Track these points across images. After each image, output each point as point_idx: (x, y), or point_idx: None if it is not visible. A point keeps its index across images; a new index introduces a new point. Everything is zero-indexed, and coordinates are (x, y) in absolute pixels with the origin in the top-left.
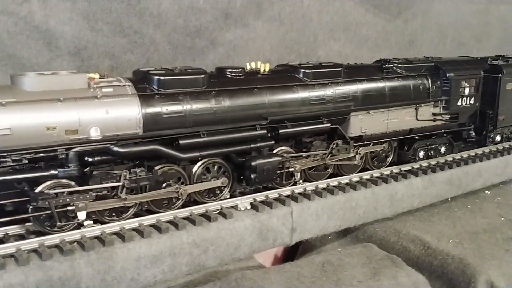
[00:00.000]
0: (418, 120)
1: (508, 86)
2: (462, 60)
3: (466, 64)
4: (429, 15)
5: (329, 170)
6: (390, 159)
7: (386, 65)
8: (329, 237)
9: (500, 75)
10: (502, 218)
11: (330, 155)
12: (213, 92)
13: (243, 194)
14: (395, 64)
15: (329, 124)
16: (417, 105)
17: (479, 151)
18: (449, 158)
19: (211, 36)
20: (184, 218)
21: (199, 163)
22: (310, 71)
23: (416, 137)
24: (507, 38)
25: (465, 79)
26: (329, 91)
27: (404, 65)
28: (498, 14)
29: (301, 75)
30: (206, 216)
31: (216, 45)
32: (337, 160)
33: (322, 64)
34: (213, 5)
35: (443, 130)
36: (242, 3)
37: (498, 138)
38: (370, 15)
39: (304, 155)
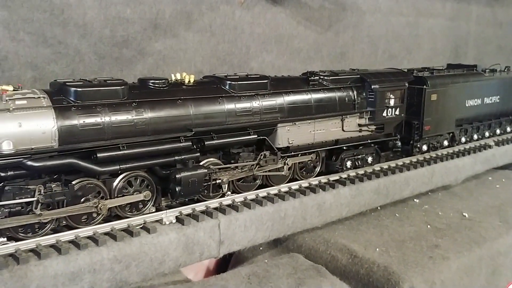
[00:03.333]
0: (344, 131)
1: (432, 97)
2: (388, 72)
3: (391, 76)
4: (360, 28)
5: (257, 181)
6: (318, 169)
7: (312, 78)
8: (260, 248)
9: (424, 87)
10: (428, 226)
11: (258, 166)
12: (134, 104)
13: (170, 207)
14: (321, 77)
15: (256, 136)
16: (343, 116)
17: (406, 160)
18: (377, 167)
19: (139, 47)
20: (105, 234)
21: (120, 177)
22: (236, 83)
23: (344, 148)
24: (436, 49)
25: (390, 91)
26: (256, 103)
27: (330, 77)
28: (427, 27)
29: (227, 87)
30: (128, 231)
31: (145, 56)
32: (265, 171)
33: (249, 76)
34: (141, 15)
35: (369, 141)
36: (172, 13)
37: (424, 147)
38: (302, 28)
39: (231, 167)
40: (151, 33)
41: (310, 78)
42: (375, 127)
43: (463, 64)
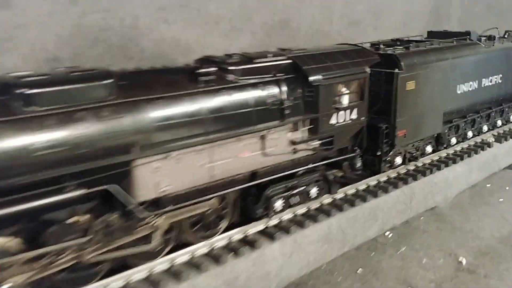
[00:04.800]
0: (267, 155)
1: (408, 86)
2: (336, 51)
3: (343, 58)
4: None
5: (101, 266)
6: (227, 222)
7: (205, 69)
8: None
9: (396, 70)
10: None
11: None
12: None
13: None
14: (224, 66)
15: (86, 189)
16: (264, 131)
17: (372, 181)
18: (326, 201)
19: None
20: None
21: None
22: (39, 90)
23: (270, 180)
24: (412, 11)
25: (342, 82)
26: (83, 127)
27: (240, 67)
28: None
29: (19, 102)
30: None
31: None
32: (110, 251)
33: (72, 73)
34: None
35: (311, 165)
36: None
37: (398, 160)
38: None
39: (31, 256)
40: None
41: (199, 71)
42: (319, 142)
43: (450, 31)
